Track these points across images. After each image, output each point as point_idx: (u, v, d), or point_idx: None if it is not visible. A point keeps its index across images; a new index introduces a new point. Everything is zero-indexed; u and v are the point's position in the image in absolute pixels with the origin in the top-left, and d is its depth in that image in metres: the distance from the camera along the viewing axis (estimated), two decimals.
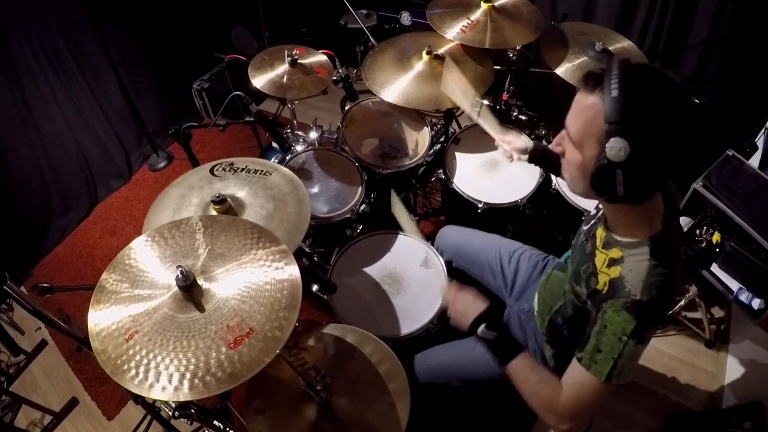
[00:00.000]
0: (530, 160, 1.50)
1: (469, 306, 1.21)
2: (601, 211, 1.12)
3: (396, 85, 1.91)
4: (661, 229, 0.98)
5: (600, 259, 1.06)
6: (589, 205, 1.75)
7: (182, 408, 1.32)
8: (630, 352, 0.94)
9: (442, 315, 1.56)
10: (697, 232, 1.88)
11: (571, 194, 1.84)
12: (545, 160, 1.51)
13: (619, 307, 0.94)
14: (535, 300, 1.43)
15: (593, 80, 0.88)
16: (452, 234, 1.75)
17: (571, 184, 1.01)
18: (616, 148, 0.83)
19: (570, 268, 1.21)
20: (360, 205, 1.85)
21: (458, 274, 1.71)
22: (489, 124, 1.56)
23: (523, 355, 1.11)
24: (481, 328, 1.15)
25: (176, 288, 1.03)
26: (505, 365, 1.11)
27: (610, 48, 1.89)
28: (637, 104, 0.82)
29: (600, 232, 1.09)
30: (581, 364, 0.99)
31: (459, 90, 1.66)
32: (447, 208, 2.25)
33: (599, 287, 1.02)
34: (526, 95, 2.77)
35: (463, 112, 3.03)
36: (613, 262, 1.01)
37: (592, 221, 1.17)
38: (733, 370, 1.99)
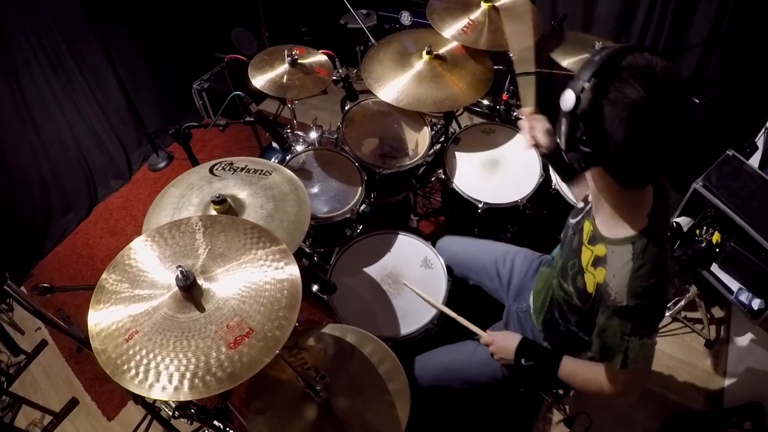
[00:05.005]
0: (545, 152, 1.38)
1: (507, 343, 1.31)
2: (590, 205, 1.13)
3: (393, 84, 1.90)
4: (646, 224, 0.97)
5: (586, 256, 1.06)
6: None
7: (182, 408, 1.32)
8: (636, 346, 0.97)
9: (442, 316, 1.57)
10: (697, 232, 1.88)
11: (571, 194, 1.83)
12: (559, 157, 1.37)
13: (609, 314, 0.98)
14: (531, 298, 1.44)
15: None
16: (449, 244, 1.78)
17: None
18: (565, 96, 0.88)
19: (559, 262, 1.22)
20: (360, 205, 1.85)
21: (458, 281, 1.71)
22: (527, 92, 1.45)
23: (563, 363, 1.21)
24: (523, 360, 1.27)
25: (176, 288, 1.03)
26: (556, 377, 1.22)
27: None
28: (611, 73, 0.82)
29: (587, 226, 1.10)
30: (597, 360, 1.06)
31: (516, 35, 1.62)
32: (447, 208, 2.25)
33: (589, 290, 1.04)
34: None
35: (463, 112, 3.06)
36: (597, 261, 1.02)
37: (580, 215, 1.18)
38: (733, 370, 1.99)
